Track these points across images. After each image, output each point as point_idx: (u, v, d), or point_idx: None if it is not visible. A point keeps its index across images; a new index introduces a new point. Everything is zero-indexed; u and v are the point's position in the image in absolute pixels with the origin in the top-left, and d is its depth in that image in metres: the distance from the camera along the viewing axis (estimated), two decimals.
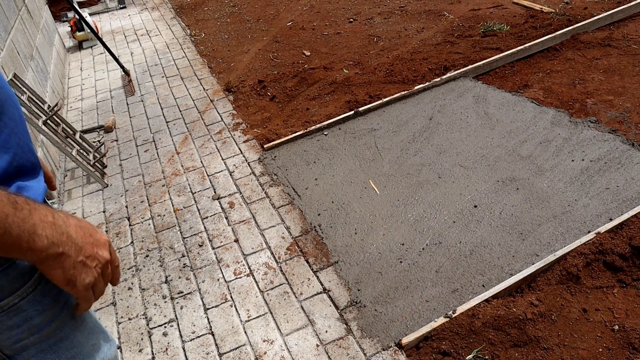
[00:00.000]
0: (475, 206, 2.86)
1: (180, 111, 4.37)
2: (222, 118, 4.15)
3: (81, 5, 8.06)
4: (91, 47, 6.33)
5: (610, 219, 2.63)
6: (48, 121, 3.59)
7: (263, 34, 5.76)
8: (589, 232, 2.57)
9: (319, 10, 6.22)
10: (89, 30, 6.14)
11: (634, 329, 2.12)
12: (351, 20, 5.80)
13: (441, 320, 2.23)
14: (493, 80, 4.15)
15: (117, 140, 4.14)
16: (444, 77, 4.14)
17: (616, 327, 2.16)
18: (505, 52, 4.36)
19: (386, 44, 5.04)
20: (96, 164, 3.76)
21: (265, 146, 3.64)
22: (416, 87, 4.04)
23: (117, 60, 5.13)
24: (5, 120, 0.96)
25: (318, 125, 3.74)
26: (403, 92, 3.99)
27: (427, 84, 4.08)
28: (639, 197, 2.75)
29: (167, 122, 4.24)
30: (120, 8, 7.79)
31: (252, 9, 6.64)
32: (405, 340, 2.18)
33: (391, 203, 2.97)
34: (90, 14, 7.76)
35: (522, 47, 4.35)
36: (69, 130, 3.88)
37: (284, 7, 6.49)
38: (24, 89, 3.57)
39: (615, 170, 2.96)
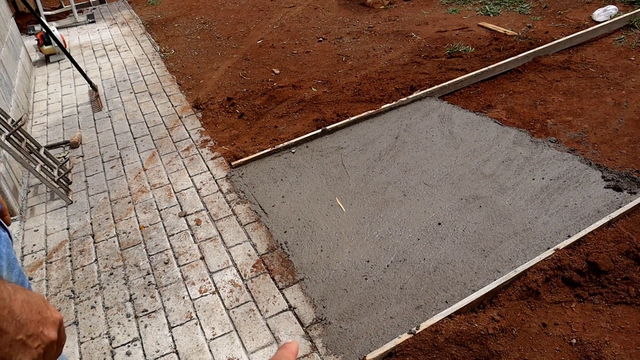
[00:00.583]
0: (439, 223, 2.91)
1: (148, 127, 4.35)
2: (190, 135, 4.14)
3: (49, 18, 7.97)
4: (58, 61, 6.26)
5: (569, 236, 2.72)
6: (11, 136, 3.53)
7: (233, 51, 5.79)
8: (548, 248, 2.64)
9: (289, 29, 6.29)
10: (56, 45, 6.08)
11: (590, 342, 2.18)
12: (320, 39, 5.87)
13: (405, 336, 2.26)
14: (458, 101, 4.25)
15: (82, 156, 4.09)
16: (410, 96, 4.22)
17: (574, 341, 2.22)
18: (470, 73, 4.47)
19: (355, 64, 5.12)
20: (61, 180, 3.70)
21: (232, 163, 3.64)
22: (383, 107, 4.11)
23: (84, 75, 5.09)
24: None
25: (286, 143, 3.77)
26: (370, 111, 4.06)
27: (394, 103, 4.15)
28: (596, 215, 2.84)
29: (134, 139, 4.21)
30: (90, 22, 7.73)
31: (222, 26, 6.68)
32: (369, 357, 2.19)
33: (357, 220, 3.01)
34: (58, 28, 7.67)
35: (486, 68, 4.48)
36: (32, 145, 3.82)
37: (255, 26, 6.54)
38: None
39: (573, 189, 3.06)
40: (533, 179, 3.18)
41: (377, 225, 2.94)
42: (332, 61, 5.25)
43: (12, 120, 3.70)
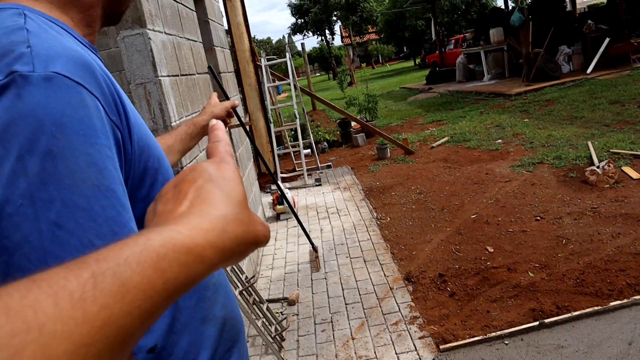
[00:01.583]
0: None
1: (359, 295, 4.54)
2: (399, 309, 4.20)
3: (283, 180, 9.15)
4: (287, 219, 7.03)
5: None
6: (243, 291, 3.97)
7: (446, 224, 5.91)
8: None
9: (504, 205, 6.26)
10: (287, 205, 6.89)
11: None
12: (538, 218, 5.71)
13: None
14: None
15: (297, 315, 4.38)
16: None
17: None
18: None
19: (576, 248, 4.82)
20: (276, 336, 3.99)
21: (440, 347, 3.55)
22: (612, 304, 3.72)
23: (307, 235, 5.62)
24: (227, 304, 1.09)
25: (499, 333, 3.58)
26: (596, 307, 3.70)
27: (626, 301, 3.74)
28: None
29: (346, 304, 4.41)
30: (316, 185, 8.66)
31: (437, 197, 6.93)
32: None
33: None
34: (289, 189, 8.74)
35: None
36: (257, 299, 4.23)
37: (469, 199, 6.65)
38: None
39: None
40: None
41: None
42: (551, 243, 5.02)
43: (246, 276, 4.19)
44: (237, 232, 0.52)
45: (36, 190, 0.63)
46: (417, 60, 45.96)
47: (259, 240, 0.55)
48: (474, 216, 6.01)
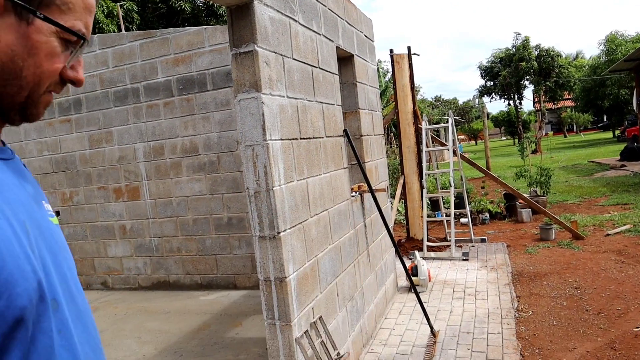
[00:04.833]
0: None
1: None
2: None
3: (430, 249, 8.65)
4: (421, 292, 6.53)
5: None
6: None
7: (599, 332, 4.93)
8: None
9: None
10: (418, 278, 6.44)
11: None
12: None
13: None
14: None
15: None
16: None
17: None
18: None
19: None
20: None
21: None
22: None
23: (427, 316, 5.12)
24: None
25: None
26: None
27: None
28: None
29: None
30: (463, 260, 8.01)
31: (596, 297, 5.88)
32: None
33: None
34: (434, 259, 8.24)
35: None
36: None
37: (637, 306, 5.51)
38: (320, 333, 3.78)
39: None
40: None
41: None
42: None
43: (338, 353, 3.88)
44: None
45: None
46: (617, 132, 41.55)
47: None
48: (638, 329, 4.94)
